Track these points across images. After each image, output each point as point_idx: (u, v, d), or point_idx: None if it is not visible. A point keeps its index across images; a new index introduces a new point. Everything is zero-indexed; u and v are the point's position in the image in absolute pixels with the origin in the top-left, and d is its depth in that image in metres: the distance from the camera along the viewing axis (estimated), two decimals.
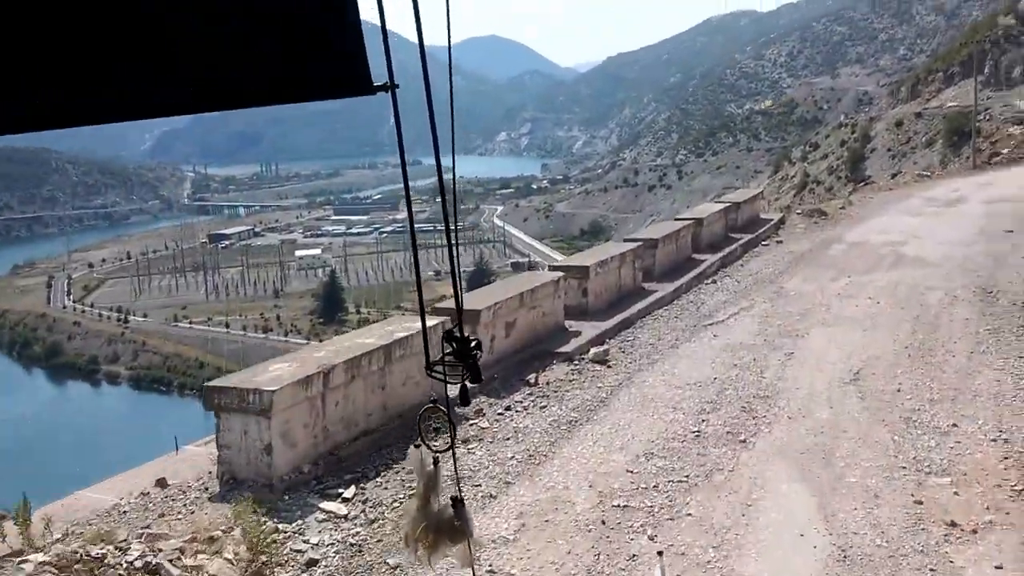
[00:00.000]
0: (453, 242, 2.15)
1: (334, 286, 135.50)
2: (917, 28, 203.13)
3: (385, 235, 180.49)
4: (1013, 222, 19.36)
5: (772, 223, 20.17)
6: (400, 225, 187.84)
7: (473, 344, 1.98)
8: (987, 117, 51.17)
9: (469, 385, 2.04)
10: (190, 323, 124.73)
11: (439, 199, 2.18)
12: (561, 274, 11.54)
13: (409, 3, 1.61)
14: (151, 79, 1.51)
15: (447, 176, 1.98)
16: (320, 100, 1.69)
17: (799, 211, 21.65)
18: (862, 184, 33.59)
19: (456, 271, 2.12)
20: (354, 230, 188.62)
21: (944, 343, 10.39)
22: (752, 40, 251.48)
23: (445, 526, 2.25)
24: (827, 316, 12.00)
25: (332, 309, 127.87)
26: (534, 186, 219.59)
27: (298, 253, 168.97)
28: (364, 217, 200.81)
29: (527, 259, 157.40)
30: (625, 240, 15.28)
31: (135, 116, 1.57)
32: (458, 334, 1.96)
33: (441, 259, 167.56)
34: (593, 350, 10.30)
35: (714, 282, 14.87)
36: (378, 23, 1.72)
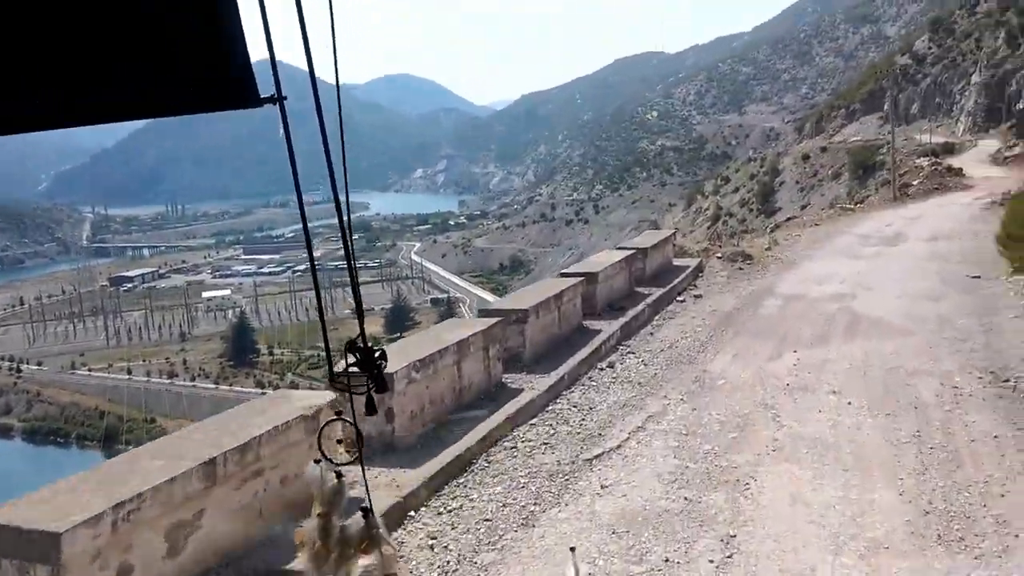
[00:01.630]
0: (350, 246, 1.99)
1: (243, 327, 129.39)
2: (818, 68, 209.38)
3: (299, 274, 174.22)
4: (971, 266, 15.80)
5: (688, 271, 15.93)
6: (317, 263, 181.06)
7: (378, 354, 1.89)
8: (890, 150, 50.61)
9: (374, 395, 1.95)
10: (89, 370, 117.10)
11: (355, 236, 1.74)
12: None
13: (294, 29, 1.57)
14: (22, 91, 1.46)
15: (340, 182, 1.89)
16: (205, 112, 1.62)
17: (719, 254, 17.56)
18: (785, 220, 30.14)
19: (355, 275, 2.03)
20: (265, 269, 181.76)
21: (981, 492, 6.06)
22: (661, 79, 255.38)
23: (355, 539, 2.13)
24: (778, 435, 7.54)
25: (242, 351, 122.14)
26: (452, 222, 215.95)
27: (205, 294, 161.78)
28: (276, 256, 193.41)
29: (447, 294, 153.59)
30: (481, 312, 10.58)
31: (10, 130, 1.52)
32: (361, 344, 1.88)
33: (364, 296, 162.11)
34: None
35: (611, 366, 10.30)
36: (266, 55, 1.66)
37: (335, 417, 2.21)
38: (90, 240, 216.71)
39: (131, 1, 1.47)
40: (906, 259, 17.28)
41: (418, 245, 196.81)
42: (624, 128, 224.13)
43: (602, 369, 10.21)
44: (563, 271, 13.01)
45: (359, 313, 2.06)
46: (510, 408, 8.12)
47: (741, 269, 16.73)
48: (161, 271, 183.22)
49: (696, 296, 14.48)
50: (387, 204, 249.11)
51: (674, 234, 16.71)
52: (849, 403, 8.34)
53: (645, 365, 10.35)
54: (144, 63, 1.47)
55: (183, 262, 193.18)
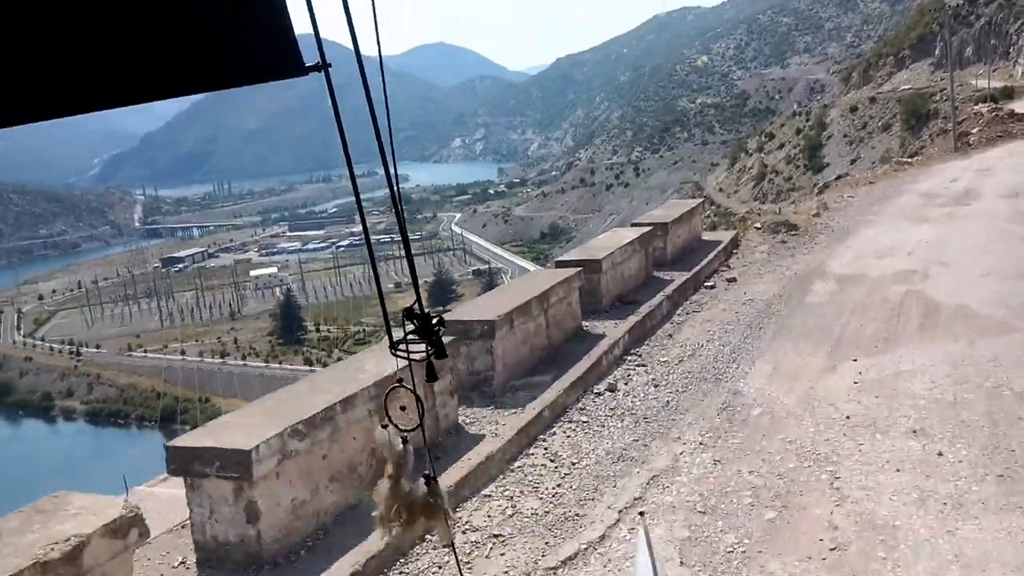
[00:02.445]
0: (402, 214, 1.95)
1: (290, 305, 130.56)
2: (863, 15, 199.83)
3: (342, 249, 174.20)
4: None
5: (720, 248, 13.19)
6: (357, 238, 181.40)
7: (436, 320, 1.90)
8: (944, 98, 47.15)
9: (435, 361, 1.97)
10: (144, 352, 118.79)
11: (393, 208, 1.94)
12: None
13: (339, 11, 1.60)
14: (75, 73, 1.48)
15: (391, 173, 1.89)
16: (252, 83, 1.64)
17: (759, 224, 14.75)
18: (835, 179, 26.91)
19: (408, 245, 2.09)
20: (310, 246, 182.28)
21: None
22: (699, 35, 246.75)
23: (419, 504, 2.22)
24: (837, 519, 4.93)
25: (290, 329, 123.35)
26: (491, 191, 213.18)
27: (253, 273, 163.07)
28: (320, 232, 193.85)
29: (488, 266, 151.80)
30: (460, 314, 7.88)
31: (67, 111, 1.52)
32: (419, 311, 1.89)
33: (400, 270, 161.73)
34: None
35: (611, 388, 7.77)
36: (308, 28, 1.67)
37: (397, 384, 2.14)
38: (142, 222, 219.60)
39: None
40: (984, 222, 14.27)
41: (458, 216, 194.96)
42: (663, 87, 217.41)
43: (600, 394, 7.69)
44: (559, 259, 10.44)
45: (414, 280, 2.07)
46: (454, 473, 5.69)
47: (784, 242, 13.93)
48: (210, 250, 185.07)
49: (729, 280, 11.78)
50: (426, 175, 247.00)
51: (702, 203, 13.96)
52: (940, 454, 5.71)
53: (656, 386, 7.80)
54: (191, 39, 1.50)
55: (231, 241, 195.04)
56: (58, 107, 1.46)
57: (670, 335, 9.57)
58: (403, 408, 2.27)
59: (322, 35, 1.61)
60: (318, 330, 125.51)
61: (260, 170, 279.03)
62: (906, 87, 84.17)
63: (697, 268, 11.87)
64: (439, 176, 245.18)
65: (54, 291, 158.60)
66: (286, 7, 1.51)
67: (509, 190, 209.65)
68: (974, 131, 36.77)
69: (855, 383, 7.37)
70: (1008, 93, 54.60)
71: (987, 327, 8.47)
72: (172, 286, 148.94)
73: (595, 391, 7.73)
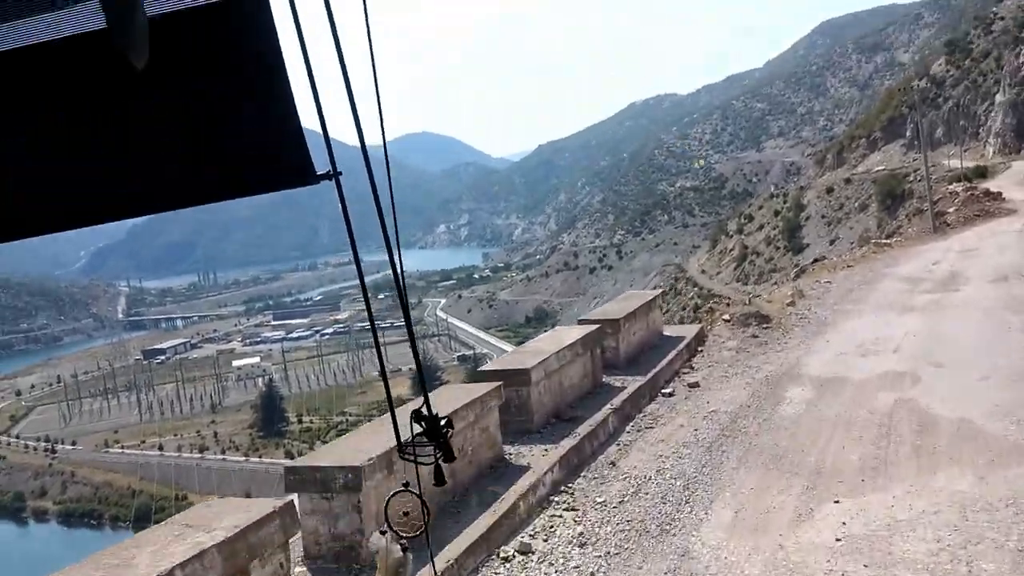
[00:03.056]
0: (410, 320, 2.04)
1: (272, 396, 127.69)
2: (833, 100, 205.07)
3: (327, 337, 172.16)
4: None
5: (683, 345, 11.55)
6: (342, 326, 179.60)
7: (444, 422, 1.86)
8: (918, 178, 47.04)
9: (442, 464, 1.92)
10: (122, 448, 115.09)
11: (385, 295, 2.00)
12: None
13: (342, 104, 1.63)
14: (101, 183, 1.58)
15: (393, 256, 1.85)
16: (266, 192, 1.69)
17: (727, 316, 13.17)
18: (811, 263, 25.56)
19: (416, 347, 2.04)
20: (294, 334, 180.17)
21: None
22: (675, 121, 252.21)
23: None
24: None
25: (272, 421, 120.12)
26: (476, 276, 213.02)
27: (235, 363, 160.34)
28: (304, 320, 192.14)
29: (472, 351, 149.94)
30: (288, 473, 5.94)
31: (88, 222, 1.63)
32: (426, 413, 1.86)
33: (387, 358, 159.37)
34: None
35: (523, 551, 5.83)
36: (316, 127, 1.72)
37: (402, 488, 2.11)
38: (126, 314, 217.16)
39: (190, 92, 1.55)
40: (976, 311, 12.76)
41: (443, 301, 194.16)
42: (642, 171, 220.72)
43: (507, 560, 5.85)
44: (482, 369, 8.79)
45: (421, 381, 2.02)
46: None
47: (755, 337, 12.32)
48: (193, 341, 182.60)
49: (691, 385, 10.09)
50: (412, 261, 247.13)
51: (661, 295, 12.35)
52: None
53: (583, 545, 5.97)
54: (205, 150, 1.57)
55: (214, 331, 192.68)
56: (78, 218, 1.56)
57: (613, 462, 7.80)
58: (406, 514, 2.13)
59: (315, 129, 1.62)
60: (300, 421, 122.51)
61: (246, 259, 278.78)
62: (880, 168, 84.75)
63: (654, 371, 10.19)
64: (425, 262, 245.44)
65: (32, 386, 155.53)
66: (298, 118, 1.55)
67: (494, 274, 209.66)
68: (951, 210, 35.97)
69: (837, 540, 5.60)
70: (981, 172, 54.65)
71: (998, 452, 6.77)
72: (153, 379, 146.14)
73: (501, 555, 5.90)
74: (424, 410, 1.83)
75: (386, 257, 1.67)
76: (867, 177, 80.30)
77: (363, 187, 1.65)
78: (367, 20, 1.63)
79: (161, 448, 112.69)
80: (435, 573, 2.24)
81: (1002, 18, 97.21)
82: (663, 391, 9.87)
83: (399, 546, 2.11)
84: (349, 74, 1.57)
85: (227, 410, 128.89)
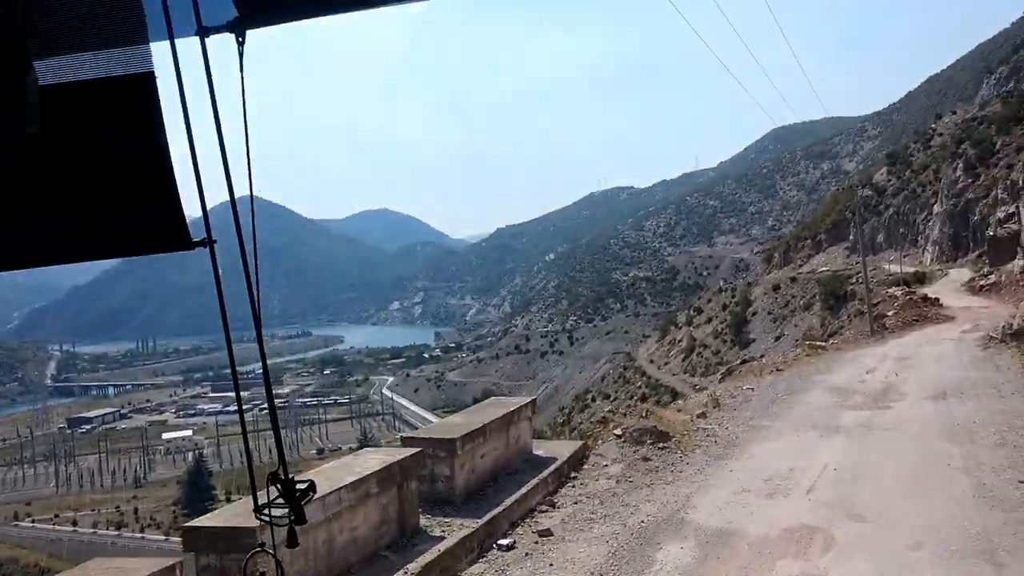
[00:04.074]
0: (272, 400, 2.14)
1: (200, 472, 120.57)
2: (782, 201, 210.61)
3: (265, 411, 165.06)
4: (1014, 451, 9.34)
5: (552, 469, 9.15)
6: (282, 400, 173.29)
7: (306, 486, 1.93)
8: (860, 280, 46.81)
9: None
10: (32, 522, 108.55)
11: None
12: None
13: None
14: None
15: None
16: (141, 255, 1.81)
17: (619, 431, 10.84)
18: (739, 363, 23.59)
19: (276, 418, 2.15)
20: (232, 407, 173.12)
21: None
22: (632, 213, 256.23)
23: None
24: None
25: (198, 498, 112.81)
26: (426, 355, 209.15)
27: (166, 436, 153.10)
28: (245, 393, 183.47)
29: (416, 431, 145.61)
30: None
31: None
32: (283, 476, 1.92)
33: (326, 435, 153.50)
34: None
35: None
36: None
37: (258, 549, 2.16)
38: (54, 379, 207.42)
39: (72, 152, 1.61)
40: (910, 441, 10.63)
41: (391, 379, 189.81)
42: (597, 259, 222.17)
43: None
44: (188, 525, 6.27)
45: (278, 443, 2.05)
46: None
47: (647, 460, 9.98)
48: (123, 411, 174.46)
49: (541, 534, 7.63)
50: (362, 337, 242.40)
51: (529, 404, 9.88)
52: None
53: None
54: (87, 208, 1.62)
55: (147, 401, 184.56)
56: None
57: None
58: (263, 574, 2.24)
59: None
60: (228, 499, 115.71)
61: (189, 328, 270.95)
62: (824, 269, 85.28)
63: (495, 512, 7.72)
64: (375, 338, 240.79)
65: None
66: (175, 185, 1.61)
67: (445, 354, 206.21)
68: (890, 314, 35.08)
69: None
70: (920, 278, 54.71)
71: None
72: (75, 448, 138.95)
73: None
74: (281, 474, 1.85)
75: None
76: (812, 277, 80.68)
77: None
78: (244, 93, 1.74)
79: (75, 523, 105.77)
80: None
81: (940, 134, 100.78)
82: (499, 542, 7.39)
83: None
84: (249, 143, 1.66)
85: (152, 485, 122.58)
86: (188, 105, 1.58)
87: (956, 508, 7.59)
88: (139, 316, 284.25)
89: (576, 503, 8.60)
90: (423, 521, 7.39)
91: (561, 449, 10.00)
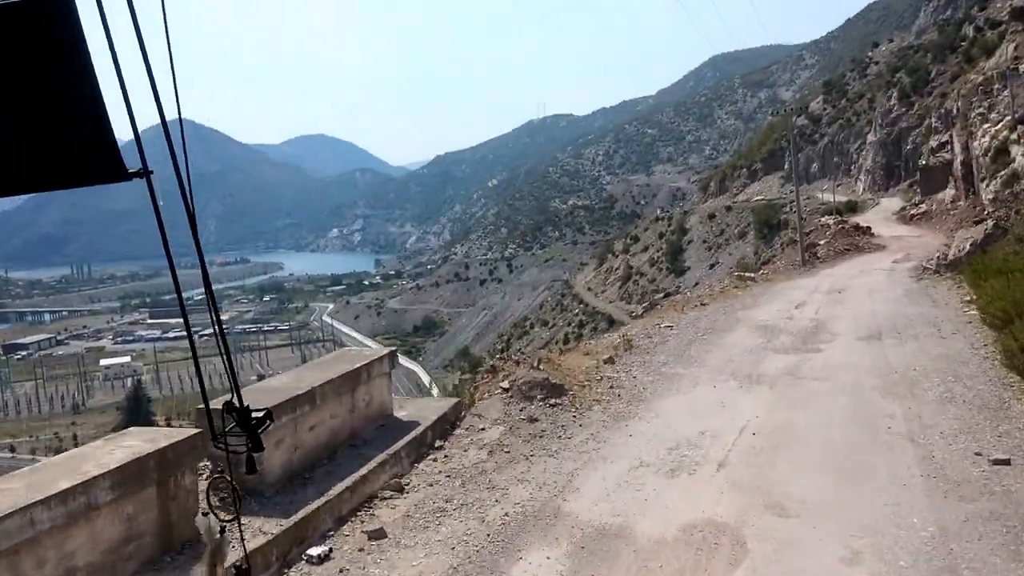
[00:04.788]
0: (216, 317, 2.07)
1: (139, 398, 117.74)
2: (719, 130, 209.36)
3: (205, 337, 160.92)
4: (973, 417, 7.74)
5: (406, 441, 7.15)
6: (224, 325, 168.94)
7: (262, 414, 1.95)
8: (794, 209, 46.49)
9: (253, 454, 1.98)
10: None
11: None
12: None
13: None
14: None
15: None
16: (76, 187, 1.72)
17: (507, 383, 8.90)
18: (661, 297, 21.87)
19: (222, 335, 2.03)
20: (171, 334, 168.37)
21: None
22: (571, 141, 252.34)
23: None
24: None
25: (137, 423, 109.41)
26: (367, 282, 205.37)
27: (104, 362, 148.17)
28: (182, 320, 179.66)
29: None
30: None
31: None
32: (238, 405, 1.93)
33: (266, 362, 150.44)
34: None
35: None
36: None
37: (217, 475, 2.38)
38: None
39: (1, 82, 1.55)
40: (843, 395, 8.92)
41: (331, 306, 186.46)
42: (536, 188, 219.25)
43: None
44: None
45: (231, 374, 1.99)
46: None
47: (534, 422, 8.08)
48: (60, 337, 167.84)
49: (370, 537, 5.63)
50: (301, 264, 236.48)
51: (387, 357, 7.70)
52: None
53: None
54: (15, 140, 1.56)
55: (84, 327, 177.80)
56: None
57: None
58: (223, 499, 2.32)
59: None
60: (169, 424, 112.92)
61: (126, 254, 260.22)
62: (759, 198, 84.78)
63: (312, 507, 5.68)
64: (315, 266, 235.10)
65: None
66: (106, 114, 1.54)
67: (385, 282, 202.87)
68: (821, 243, 34.22)
69: None
70: (852, 207, 54.41)
71: None
72: (11, 375, 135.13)
73: None
74: (236, 403, 1.86)
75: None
76: (747, 206, 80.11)
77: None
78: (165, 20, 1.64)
79: (13, 449, 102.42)
80: (245, 552, 2.17)
81: (876, 63, 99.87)
82: (310, 552, 5.37)
83: (218, 526, 2.17)
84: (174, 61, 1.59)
85: (90, 411, 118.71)
86: (109, 24, 1.52)
87: (902, 495, 5.84)
88: (73, 242, 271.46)
89: (431, 485, 6.62)
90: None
91: (429, 410, 7.98)
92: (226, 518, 2.19)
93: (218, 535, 2.22)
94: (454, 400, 8.46)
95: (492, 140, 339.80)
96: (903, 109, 68.96)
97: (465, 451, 7.33)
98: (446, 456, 7.24)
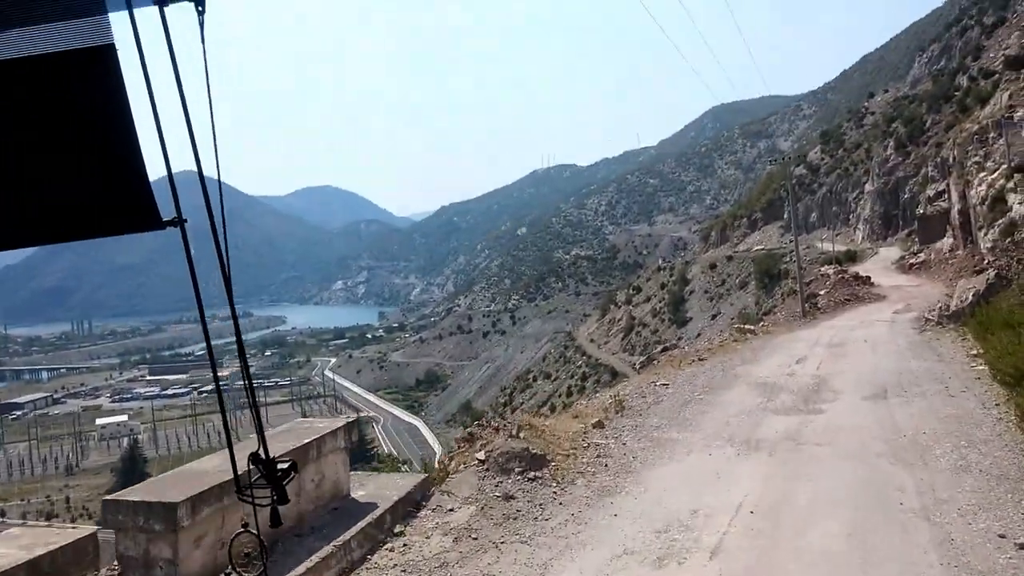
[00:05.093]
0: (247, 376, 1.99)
1: (135, 459, 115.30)
2: (720, 180, 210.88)
3: (204, 395, 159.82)
4: (990, 488, 7.04)
5: (359, 528, 6.39)
6: (224, 383, 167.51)
7: (287, 466, 1.94)
8: (794, 259, 46.32)
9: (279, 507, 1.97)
10: None
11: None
12: None
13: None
14: None
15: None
16: (112, 235, 1.72)
17: (483, 454, 8.18)
18: (660, 351, 21.21)
19: (252, 393, 2.05)
20: (170, 391, 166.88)
21: None
22: (575, 191, 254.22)
23: None
24: None
25: (132, 484, 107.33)
26: (369, 335, 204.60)
27: (100, 421, 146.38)
28: (182, 376, 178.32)
29: (358, 414, 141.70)
30: None
31: None
32: (264, 456, 1.92)
33: (266, 419, 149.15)
34: None
35: None
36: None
37: (241, 530, 2.15)
38: None
39: (33, 130, 1.56)
40: (848, 462, 8.22)
41: (333, 360, 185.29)
42: (540, 238, 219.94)
43: None
44: None
45: (258, 425, 1.98)
46: None
47: (510, 499, 7.38)
48: (56, 396, 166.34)
49: None
50: (305, 317, 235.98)
51: (343, 430, 6.84)
52: None
53: None
54: (53, 188, 1.57)
55: (82, 385, 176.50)
56: None
57: None
58: (247, 554, 2.19)
59: (209, 174, 1.65)
60: None
61: (128, 309, 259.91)
62: (759, 247, 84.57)
63: None
64: (318, 319, 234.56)
65: None
66: (143, 164, 1.56)
67: (388, 335, 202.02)
68: (822, 293, 33.81)
69: None
70: (851, 256, 54.07)
71: None
72: (5, 436, 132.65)
73: None
74: (261, 454, 1.84)
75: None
76: (747, 255, 79.86)
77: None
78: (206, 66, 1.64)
79: (3, 514, 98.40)
80: None
81: (872, 113, 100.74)
82: None
83: None
84: (214, 114, 1.60)
85: (85, 473, 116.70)
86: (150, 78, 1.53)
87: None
88: (74, 296, 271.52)
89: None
90: None
91: (391, 489, 7.27)
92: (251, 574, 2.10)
93: None
94: (421, 476, 7.74)
95: (496, 190, 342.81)
96: (900, 158, 69.06)
97: (427, 538, 6.61)
98: (405, 545, 6.51)
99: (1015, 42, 56.37)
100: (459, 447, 9.10)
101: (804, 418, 10.47)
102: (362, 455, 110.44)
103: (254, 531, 1.97)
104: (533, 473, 7.95)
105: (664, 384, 13.48)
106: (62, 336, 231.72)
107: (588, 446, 9.23)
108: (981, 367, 13.02)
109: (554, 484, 7.83)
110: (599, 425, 10.20)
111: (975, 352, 14.53)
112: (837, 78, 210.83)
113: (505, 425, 9.22)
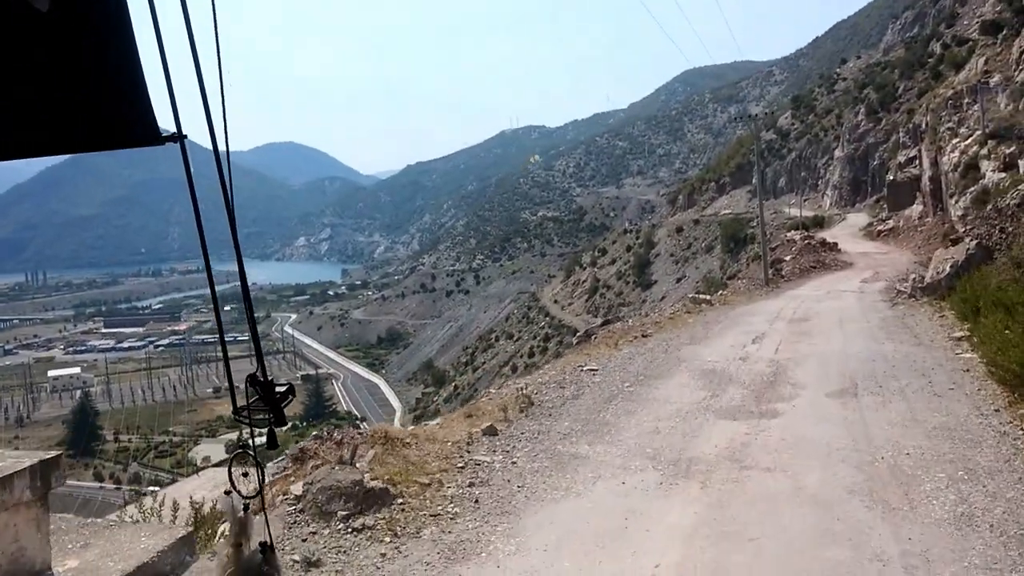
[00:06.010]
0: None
1: (86, 411, 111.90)
2: (689, 144, 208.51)
3: (161, 348, 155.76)
4: (990, 536, 4.78)
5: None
6: (179, 337, 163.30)
7: (285, 389, 1.94)
8: (759, 224, 44.57)
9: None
10: None
11: (232, 306, 2.31)
12: None
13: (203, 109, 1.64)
14: None
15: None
16: (110, 149, 1.72)
17: (300, 488, 5.69)
18: (600, 325, 18.84)
19: (249, 301, 2.01)
20: (125, 344, 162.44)
21: None
22: (542, 152, 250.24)
23: (255, 571, 2.18)
24: None
25: (83, 439, 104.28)
26: (331, 292, 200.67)
27: (52, 373, 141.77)
28: (139, 330, 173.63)
29: (317, 370, 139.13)
30: None
31: None
32: (262, 379, 1.91)
33: (219, 374, 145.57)
34: None
35: None
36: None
37: (239, 450, 2.13)
38: None
39: (36, 43, 1.53)
40: (808, 505, 5.89)
41: (294, 316, 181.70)
42: (506, 198, 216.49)
43: None
44: None
45: (256, 346, 1.95)
46: None
47: (314, 567, 4.96)
48: (8, 347, 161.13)
49: None
50: (267, 273, 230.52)
51: (41, 468, 4.52)
52: None
53: None
54: (49, 101, 1.55)
55: (35, 336, 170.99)
56: None
57: None
58: (245, 475, 2.17)
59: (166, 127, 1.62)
60: (117, 440, 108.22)
61: (84, 261, 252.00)
62: (726, 212, 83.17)
63: None
64: (280, 275, 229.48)
65: None
66: (143, 78, 1.54)
67: (350, 292, 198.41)
68: (787, 259, 32.02)
69: None
70: (818, 222, 52.64)
71: None
72: None
73: None
74: (259, 377, 1.84)
75: (229, 266, 1.81)
76: (714, 220, 78.38)
77: (216, 192, 1.78)
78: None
79: None
80: (268, 530, 2.05)
81: (844, 79, 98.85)
82: None
83: (242, 505, 2.13)
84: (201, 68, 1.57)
85: (35, 425, 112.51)
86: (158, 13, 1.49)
87: None
88: (29, 248, 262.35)
89: None
90: None
91: (124, 557, 4.59)
92: (250, 494, 2.08)
93: (242, 512, 2.13)
94: (180, 532, 4.99)
95: (464, 150, 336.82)
96: (870, 125, 67.48)
97: None
98: None
99: (990, 8, 54.53)
100: (289, 465, 6.59)
101: (754, 424, 8.15)
102: (320, 412, 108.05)
103: (251, 452, 1.94)
104: (364, 519, 5.51)
105: (592, 369, 11.10)
106: (15, 287, 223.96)
107: (465, 465, 6.81)
108: (968, 355, 10.86)
109: (388, 539, 5.37)
110: (491, 431, 7.78)
111: (959, 334, 12.38)
112: (809, 44, 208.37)
113: (351, 441, 6.72)
